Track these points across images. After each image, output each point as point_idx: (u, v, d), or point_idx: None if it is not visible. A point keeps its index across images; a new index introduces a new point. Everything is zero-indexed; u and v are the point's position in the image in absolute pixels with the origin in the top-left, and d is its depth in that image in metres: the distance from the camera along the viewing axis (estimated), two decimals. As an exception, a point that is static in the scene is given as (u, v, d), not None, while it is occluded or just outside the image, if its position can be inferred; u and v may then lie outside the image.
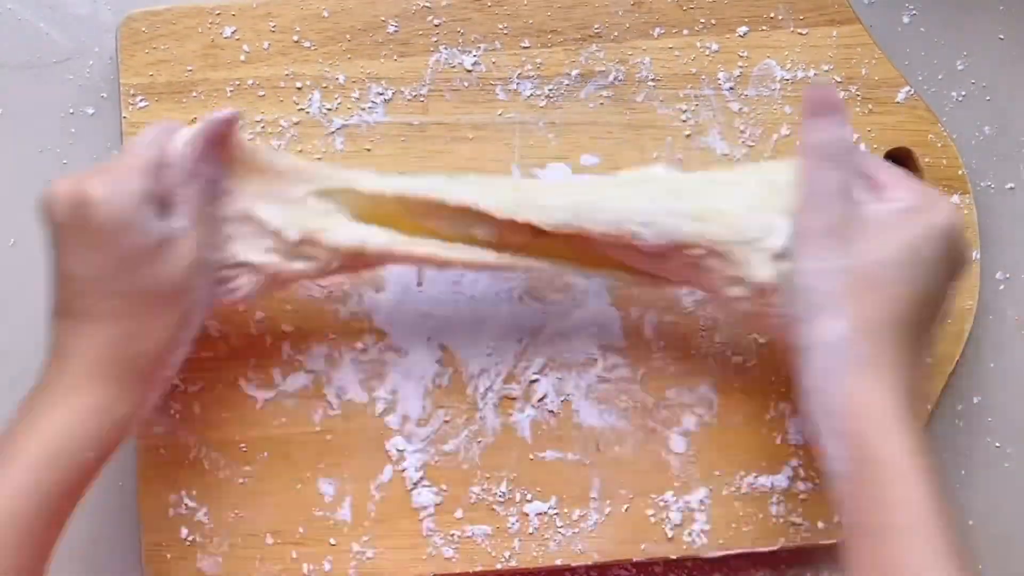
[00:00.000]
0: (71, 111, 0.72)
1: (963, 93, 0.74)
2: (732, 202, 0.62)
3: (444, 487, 0.69)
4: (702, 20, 0.71)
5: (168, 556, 0.68)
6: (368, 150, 0.70)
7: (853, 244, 0.59)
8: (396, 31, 0.70)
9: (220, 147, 0.62)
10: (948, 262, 0.60)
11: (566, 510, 0.69)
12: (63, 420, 0.59)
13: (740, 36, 0.71)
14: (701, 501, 0.69)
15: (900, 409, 0.57)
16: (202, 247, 0.61)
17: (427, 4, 0.70)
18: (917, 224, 0.59)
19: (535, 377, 0.69)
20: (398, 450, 0.69)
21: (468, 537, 0.69)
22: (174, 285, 0.60)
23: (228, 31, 0.70)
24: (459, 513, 0.69)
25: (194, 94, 0.70)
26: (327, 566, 0.68)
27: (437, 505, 0.69)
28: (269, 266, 0.63)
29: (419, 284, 0.70)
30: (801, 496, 0.70)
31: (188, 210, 0.61)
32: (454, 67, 0.70)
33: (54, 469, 0.58)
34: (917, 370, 0.60)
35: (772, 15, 0.71)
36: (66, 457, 0.59)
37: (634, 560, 0.70)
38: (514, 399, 0.69)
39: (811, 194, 0.61)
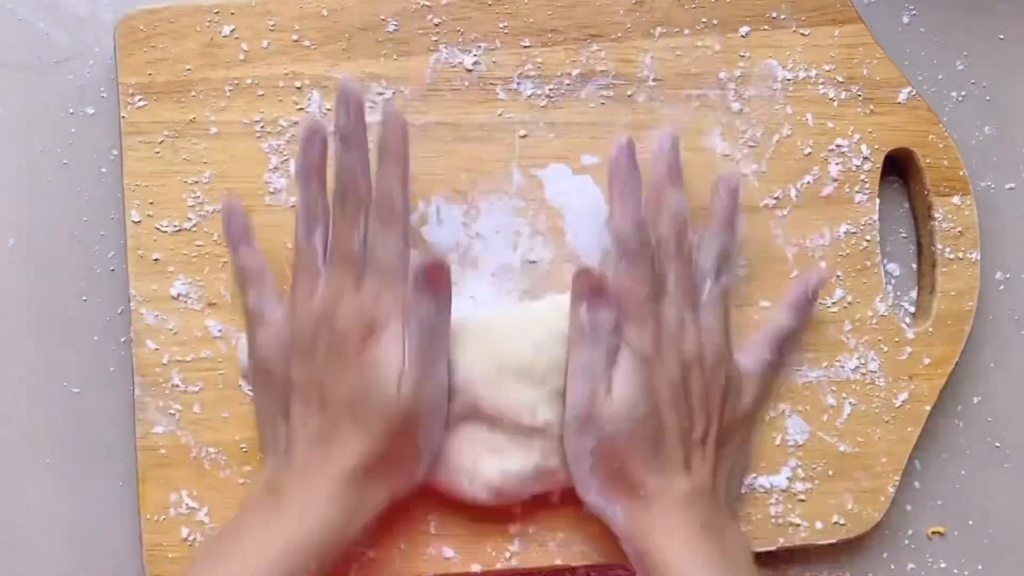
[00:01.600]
0: (71, 111, 0.71)
1: (963, 93, 0.74)
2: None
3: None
4: (703, 20, 0.70)
5: (168, 556, 0.68)
6: (368, 150, 0.70)
7: (599, 421, 0.64)
8: (396, 30, 0.70)
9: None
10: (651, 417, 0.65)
11: (567, 510, 0.69)
12: (296, 530, 0.61)
13: (742, 36, 0.70)
14: (701, 501, 0.69)
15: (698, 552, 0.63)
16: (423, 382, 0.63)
17: (427, 3, 0.70)
18: (643, 377, 0.64)
19: (535, 377, 0.69)
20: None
21: (468, 537, 0.69)
22: (406, 411, 0.63)
23: (227, 30, 0.70)
24: (460, 513, 0.69)
25: (193, 93, 0.69)
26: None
27: (438, 505, 0.69)
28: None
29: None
30: (800, 496, 0.70)
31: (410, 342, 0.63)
32: (454, 67, 0.70)
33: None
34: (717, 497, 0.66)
35: (774, 15, 0.71)
36: (292, 564, 0.60)
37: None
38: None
39: (570, 374, 0.65)
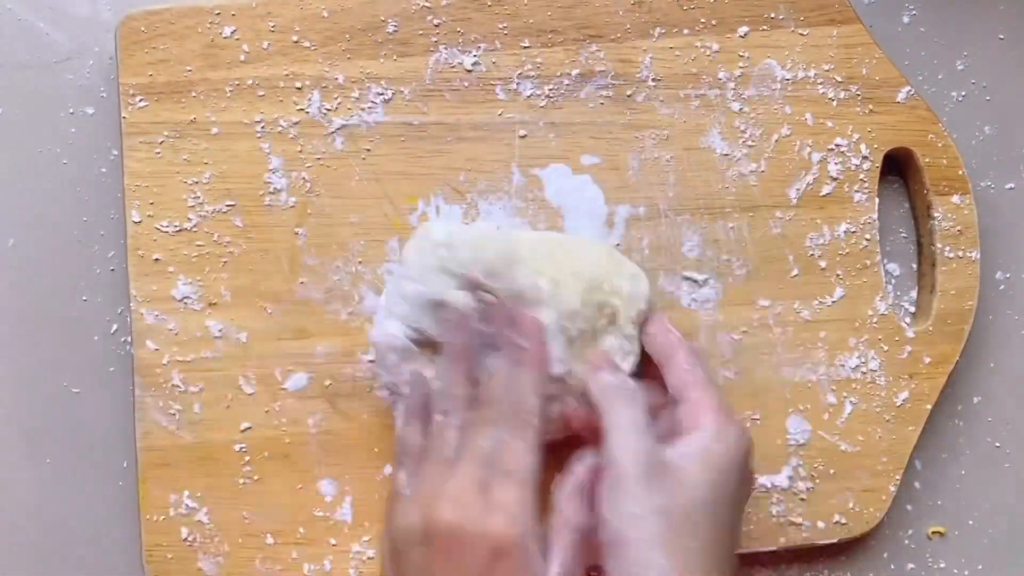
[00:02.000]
0: (71, 111, 0.72)
1: (963, 93, 0.74)
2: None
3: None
4: (702, 20, 0.71)
5: (168, 556, 0.68)
6: (368, 150, 0.70)
7: (664, 486, 0.58)
8: (396, 31, 0.70)
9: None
10: (745, 486, 0.62)
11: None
12: None
13: (741, 36, 0.71)
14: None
15: None
16: None
17: (427, 4, 0.70)
18: (721, 458, 0.60)
19: (535, 377, 0.69)
20: (398, 450, 0.69)
21: (468, 537, 0.69)
22: None
23: (227, 31, 0.70)
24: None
25: (193, 94, 0.69)
26: (327, 566, 0.68)
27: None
28: None
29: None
30: (801, 496, 0.70)
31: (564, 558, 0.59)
32: (454, 67, 0.70)
33: None
34: None
35: (773, 15, 0.71)
36: None
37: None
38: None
39: (614, 434, 0.60)
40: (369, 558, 0.68)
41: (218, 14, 0.70)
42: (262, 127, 0.70)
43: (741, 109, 0.70)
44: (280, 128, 0.70)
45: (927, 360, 0.70)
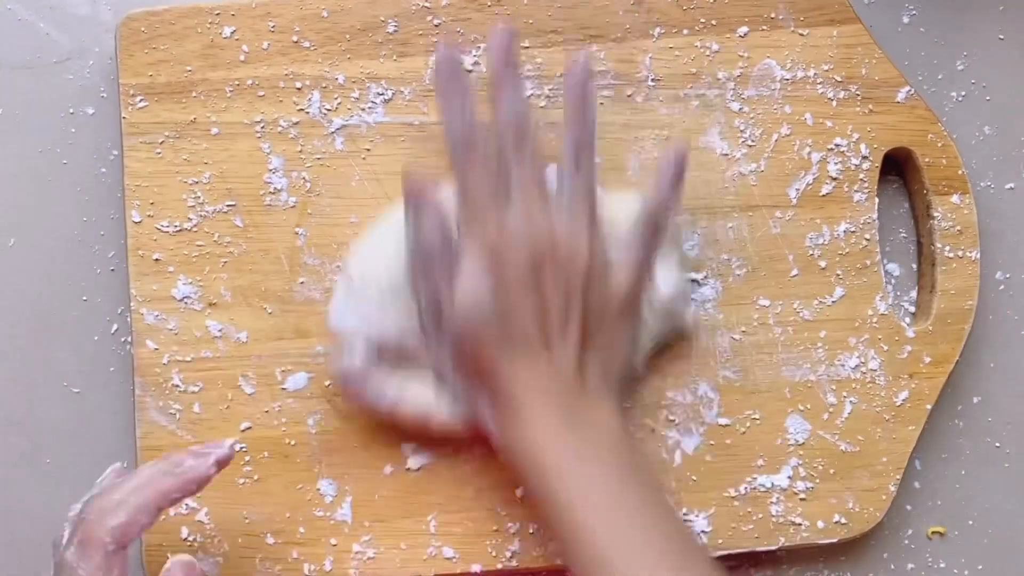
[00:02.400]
0: (71, 111, 0.72)
1: (963, 93, 0.74)
2: None
3: (445, 487, 0.69)
4: (702, 20, 0.71)
5: (168, 556, 0.68)
6: (368, 150, 0.70)
7: (449, 321, 0.64)
8: (396, 31, 0.70)
9: None
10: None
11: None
12: None
13: (740, 36, 0.71)
14: (701, 501, 0.69)
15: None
16: None
17: (427, 4, 0.70)
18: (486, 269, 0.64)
19: (535, 377, 0.69)
20: (399, 450, 0.69)
21: (469, 537, 0.69)
22: None
23: (227, 31, 0.70)
24: (460, 513, 0.69)
25: (194, 94, 0.70)
26: (328, 566, 0.68)
27: (438, 505, 0.69)
28: None
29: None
30: (801, 496, 0.70)
31: None
32: (454, 67, 0.70)
33: None
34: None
35: (772, 15, 0.71)
36: None
37: (634, 560, 0.70)
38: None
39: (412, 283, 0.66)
40: (370, 558, 0.68)
41: (218, 14, 0.70)
42: (262, 127, 0.70)
43: (741, 109, 0.71)
44: (280, 128, 0.70)
45: (927, 360, 0.70)
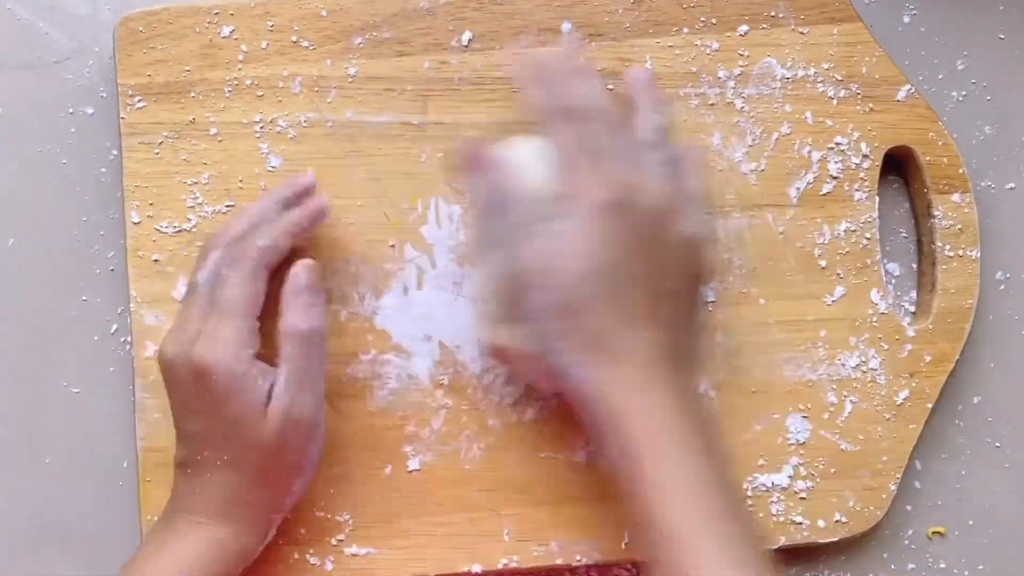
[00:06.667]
0: (71, 111, 0.72)
1: (963, 93, 0.74)
2: None
3: (445, 487, 0.69)
4: (702, 19, 0.71)
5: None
6: (368, 150, 0.70)
7: (556, 277, 0.63)
8: (395, 31, 0.70)
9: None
10: None
11: (567, 510, 0.69)
12: (189, 550, 0.63)
13: (740, 35, 0.71)
14: (702, 501, 0.69)
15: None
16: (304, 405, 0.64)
17: (427, 4, 0.70)
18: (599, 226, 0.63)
19: (536, 377, 0.69)
20: (399, 450, 0.69)
21: (469, 537, 0.69)
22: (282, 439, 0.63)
23: (226, 31, 0.70)
24: (460, 513, 0.69)
25: (192, 94, 0.69)
26: (328, 566, 0.68)
27: (438, 505, 0.69)
28: None
29: (419, 287, 0.70)
30: (801, 495, 0.70)
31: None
32: (454, 67, 0.70)
33: None
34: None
35: (773, 13, 0.71)
36: None
37: (635, 560, 0.70)
38: (516, 399, 0.69)
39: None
40: (370, 558, 0.68)
41: (216, 14, 0.70)
42: (261, 127, 0.70)
43: (741, 108, 0.70)
44: (279, 128, 0.70)
45: (927, 359, 0.70)
